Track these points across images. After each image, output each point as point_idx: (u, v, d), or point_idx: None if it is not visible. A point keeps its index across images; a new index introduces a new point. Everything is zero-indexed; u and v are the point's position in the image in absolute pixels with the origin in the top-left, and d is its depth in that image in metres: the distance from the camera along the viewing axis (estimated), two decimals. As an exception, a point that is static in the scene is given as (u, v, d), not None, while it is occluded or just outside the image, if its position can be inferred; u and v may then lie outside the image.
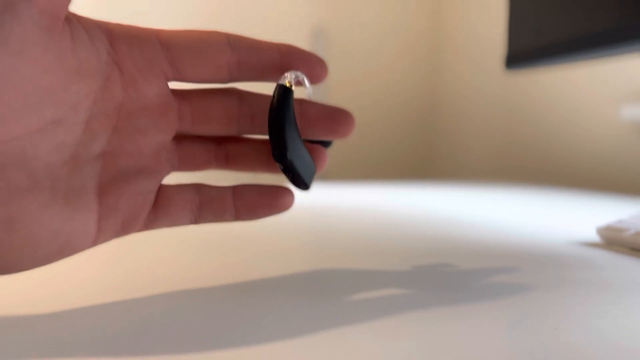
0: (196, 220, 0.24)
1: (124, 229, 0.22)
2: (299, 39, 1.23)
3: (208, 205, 0.24)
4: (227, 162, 0.25)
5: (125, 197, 0.22)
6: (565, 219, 0.47)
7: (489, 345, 0.17)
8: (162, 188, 0.23)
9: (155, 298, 0.22)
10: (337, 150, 1.25)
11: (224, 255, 0.30)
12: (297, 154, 0.23)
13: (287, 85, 0.23)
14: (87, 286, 0.24)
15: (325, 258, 0.30)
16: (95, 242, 0.21)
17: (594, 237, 0.38)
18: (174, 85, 0.23)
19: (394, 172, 1.34)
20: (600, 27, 0.43)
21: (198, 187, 0.24)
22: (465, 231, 0.40)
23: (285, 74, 0.23)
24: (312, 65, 0.24)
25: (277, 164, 0.23)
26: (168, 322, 0.19)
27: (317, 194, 0.68)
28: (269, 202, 0.24)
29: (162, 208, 0.23)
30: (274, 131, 0.22)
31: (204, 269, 0.27)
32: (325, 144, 0.26)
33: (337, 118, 0.24)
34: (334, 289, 0.24)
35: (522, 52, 0.55)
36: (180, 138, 0.24)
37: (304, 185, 0.24)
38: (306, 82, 0.24)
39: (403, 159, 1.34)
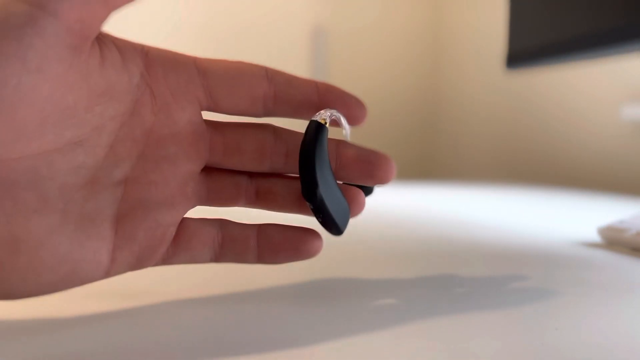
0: (216, 259, 0.22)
1: (140, 262, 0.21)
2: (299, 39, 1.23)
3: (230, 244, 0.22)
4: (256, 199, 0.23)
5: (144, 229, 0.20)
6: (566, 219, 0.47)
7: (489, 345, 0.17)
8: (184, 221, 0.22)
9: (157, 305, 0.22)
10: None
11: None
12: (329, 193, 0.22)
13: (321, 122, 0.22)
14: (90, 288, 0.24)
15: (326, 259, 0.30)
16: (107, 274, 0.20)
17: (595, 237, 0.38)
18: (207, 116, 0.22)
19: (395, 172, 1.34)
20: (601, 27, 0.43)
21: (222, 223, 0.22)
22: (465, 231, 0.40)
23: (321, 111, 0.22)
24: (350, 106, 0.23)
25: (308, 205, 0.22)
26: (169, 328, 0.19)
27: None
28: (295, 245, 0.23)
29: (183, 243, 0.21)
30: (304, 167, 0.21)
31: (206, 273, 0.27)
32: (366, 190, 0.25)
33: (374, 161, 0.23)
34: (336, 291, 0.24)
35: (523, 52, 0.55)
36: (209, 170, 0.23)
37: (336, 229, 0.22)
38: (343, 122, 0.23)
39: (404, 159, 1.34)
